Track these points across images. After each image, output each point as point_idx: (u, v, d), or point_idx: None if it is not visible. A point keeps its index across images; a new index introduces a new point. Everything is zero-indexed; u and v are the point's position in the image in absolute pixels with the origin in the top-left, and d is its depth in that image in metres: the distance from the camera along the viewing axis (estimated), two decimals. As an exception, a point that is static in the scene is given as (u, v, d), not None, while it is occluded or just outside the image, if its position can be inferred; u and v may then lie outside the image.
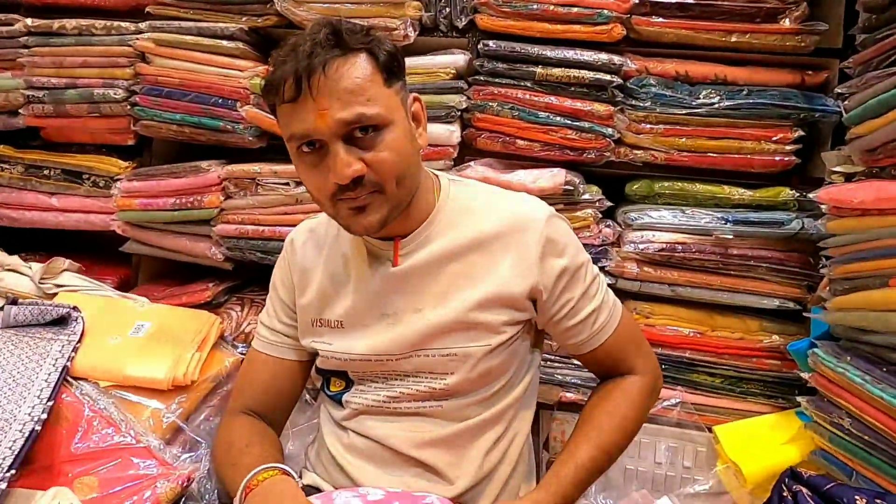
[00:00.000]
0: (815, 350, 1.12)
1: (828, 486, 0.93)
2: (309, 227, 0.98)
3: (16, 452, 0.86)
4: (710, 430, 1.34)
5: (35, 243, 1.73)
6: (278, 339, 0.97)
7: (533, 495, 0.82)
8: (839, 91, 1.19)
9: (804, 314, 1.33)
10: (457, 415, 0.88)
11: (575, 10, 1.38)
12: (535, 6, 1.39)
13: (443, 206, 0.88)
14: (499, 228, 0.86)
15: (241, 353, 1.30)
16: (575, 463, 0.85)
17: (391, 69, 0.78)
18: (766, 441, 1.23)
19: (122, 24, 1.52)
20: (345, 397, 0.92)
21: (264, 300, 1.53)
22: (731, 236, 1.36)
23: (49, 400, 0.96)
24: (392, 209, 0.80)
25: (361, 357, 0.88)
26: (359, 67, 0.75)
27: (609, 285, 1.40)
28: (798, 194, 1.36)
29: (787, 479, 1.00)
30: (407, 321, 0.86)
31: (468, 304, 0.84)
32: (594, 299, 0.91)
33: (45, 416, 0.94)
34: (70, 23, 1.52)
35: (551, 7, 1.38)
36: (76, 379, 1.06)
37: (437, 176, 0.92)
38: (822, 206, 1.17)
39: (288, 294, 0.96)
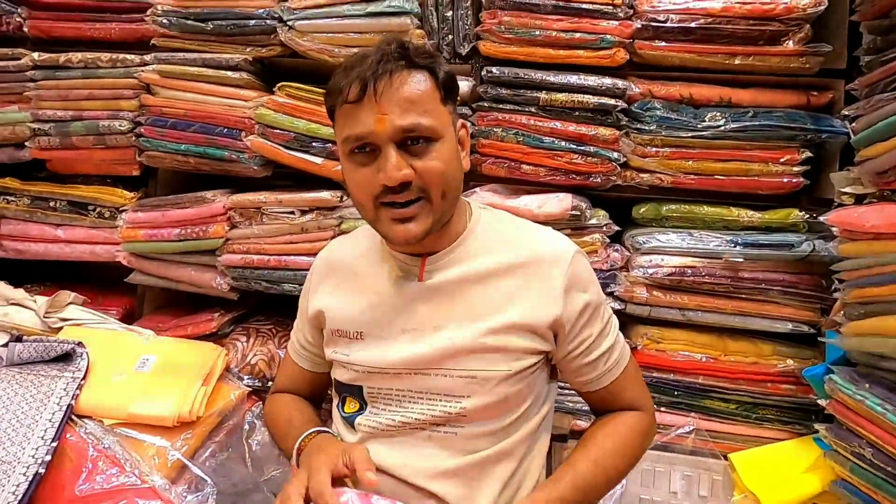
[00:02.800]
0: (832, 376, 1.10)
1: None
2: (337, 243, 1.04)
3: (19, 497, 0.85)
4: (725, 457, 1.31)
5: (40, 274, 1.73)
6: (304, 353, 1.03)
7: (532, 495, 0.83)
8: (846, 113, 1.18)
9: (819, 339, 1.31)
10: (471, 445, 0.86)
11: (578, 35, 1.38)
12: (537, 32, 1.39)
13: (473, 229, 0.91)
14: (527, 258, 0.88)
15: (247, 386, 1.29)
16: (573, 470, 0.85)
17: (448, 89, 0.85)
18: (785, 469, 1.20)
19: (128, 56, 1.53)
20: (357, 420, 0.91)
21: (270, 330, 1.54)
22: (741, 259, 1.34)
23: (53, 441, 0.95)
24: (435, 221, 0.83)
25: (379, 369, 0.88)
26: (421, 82, 0.81)
27: (618, 311, 1.37)
28: (808, 216, 1.34)
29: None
30: (427, 338, 0.86)
31: (491, 327, 0.85)
32: (608, 338, 0.92)
33: (48, 457, 0.92)
34: (76, 56, 1.53)
35: (554, 33, 1.39)
36: (81, 417, 1.05)
37: (468, 203, 0.95)
38: (833, 229, 1.16)
39: (312, 315, 0.98)
